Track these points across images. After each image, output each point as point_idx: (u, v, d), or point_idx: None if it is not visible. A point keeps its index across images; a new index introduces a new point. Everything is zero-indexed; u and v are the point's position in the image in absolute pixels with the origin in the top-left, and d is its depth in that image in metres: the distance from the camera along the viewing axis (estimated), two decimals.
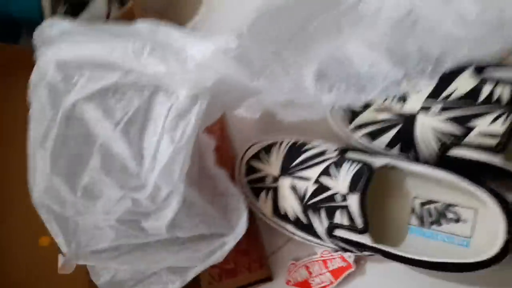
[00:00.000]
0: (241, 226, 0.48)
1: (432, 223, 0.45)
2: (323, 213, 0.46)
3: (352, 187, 0.43)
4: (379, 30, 0.47)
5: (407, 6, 0.45)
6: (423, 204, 0.46)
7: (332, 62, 0.45)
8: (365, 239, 0.43)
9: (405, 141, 0.44)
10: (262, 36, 0.47)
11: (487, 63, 0.42)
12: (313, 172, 0.47)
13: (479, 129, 0.39)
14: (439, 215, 0.45)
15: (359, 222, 0.42)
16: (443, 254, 0.42)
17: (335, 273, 0.50)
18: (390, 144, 0.46)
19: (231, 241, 0.47)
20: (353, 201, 0.42)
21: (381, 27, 0.47)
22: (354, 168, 0.44)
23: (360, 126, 0.47)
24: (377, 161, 0.44)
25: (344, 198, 0.43)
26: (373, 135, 0.47)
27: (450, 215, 0.44)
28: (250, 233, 0.50)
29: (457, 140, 0.40)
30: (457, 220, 0.44)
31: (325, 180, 0.46)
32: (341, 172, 0.44)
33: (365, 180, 0.42)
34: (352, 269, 0.48)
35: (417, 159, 0.45)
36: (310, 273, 0.51)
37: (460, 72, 0.42)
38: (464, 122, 0.40)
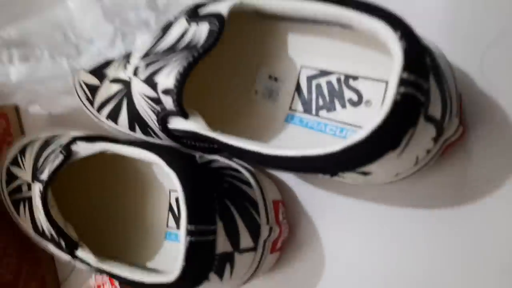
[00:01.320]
0: None
1: None
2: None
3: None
4: None
5: None
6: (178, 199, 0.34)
7: (35, 27, 0.35)
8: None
9: (135, 117, 0.33)
10: None
11: None
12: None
13: (159, 87, 0.27)
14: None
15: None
16: None
17: None
18: (131, 126, 0.35)
19: None
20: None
21: None
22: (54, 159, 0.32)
23: (101, 106, 0.36)
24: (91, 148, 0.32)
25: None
26: (113, 116, 0.35)
27: None
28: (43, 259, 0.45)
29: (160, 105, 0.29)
30: None
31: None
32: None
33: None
34: None
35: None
36: None
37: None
38: (152, 80, 0.28)
